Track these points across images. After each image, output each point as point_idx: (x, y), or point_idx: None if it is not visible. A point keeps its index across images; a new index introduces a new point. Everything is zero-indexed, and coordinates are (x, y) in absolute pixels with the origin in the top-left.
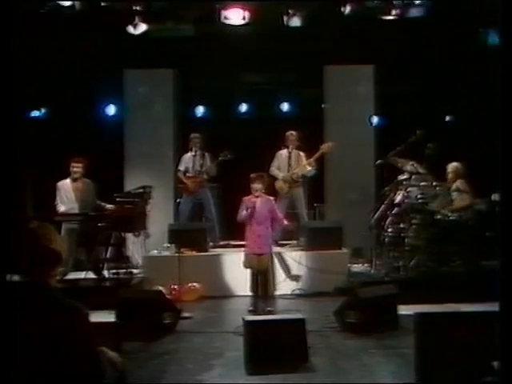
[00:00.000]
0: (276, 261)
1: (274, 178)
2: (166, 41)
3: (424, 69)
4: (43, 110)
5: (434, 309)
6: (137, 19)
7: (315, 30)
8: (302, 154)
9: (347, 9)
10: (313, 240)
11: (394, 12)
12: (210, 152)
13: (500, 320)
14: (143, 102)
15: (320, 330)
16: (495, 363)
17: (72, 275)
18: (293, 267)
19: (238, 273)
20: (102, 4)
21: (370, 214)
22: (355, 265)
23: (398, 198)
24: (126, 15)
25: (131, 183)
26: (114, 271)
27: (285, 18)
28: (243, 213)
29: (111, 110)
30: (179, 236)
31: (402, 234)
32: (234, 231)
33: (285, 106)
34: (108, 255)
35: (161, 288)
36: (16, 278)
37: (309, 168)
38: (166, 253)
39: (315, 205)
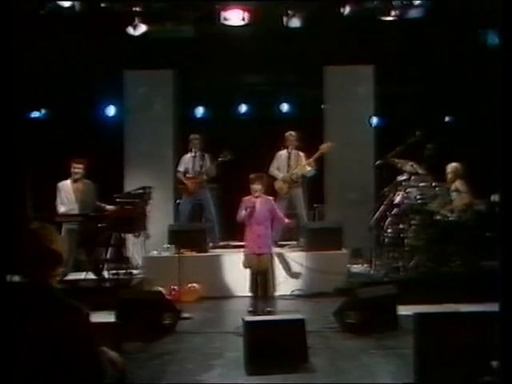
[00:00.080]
0: (276, 261)
1: (274, 179)
2: (166, 42)
3: (423, 69)
4: (43, 111)
5: (433, 309)
6: (136, 20)
7: (315, 31)
8: (301, 154)
9: (347, 9)
10: (312, 240)
11: (393, 13)
12: (209, 153)
13: (500, 320)
14: (143, 102)
15: (320, 331)
16: (494, 363)
17: (72, 276)
18: (292, 267)
19: (237, 273)
20: (102, 5)
21: (369, 214)
22: (355, 265)
23: (398, 199)
24: (125, 16)
25: (131, 184)
26: (114, 272)
27: (284, 19)
28: (242, 212)
29: (111, 110)
30: (179, 237)
31: (402, 235)
32: (233, 232)
33: (284, 107)
34: (108, 256)
35: (161, 288)
36: (16, 278)
37: (308, 168)
38: (166, 253)
39: (315, 205)
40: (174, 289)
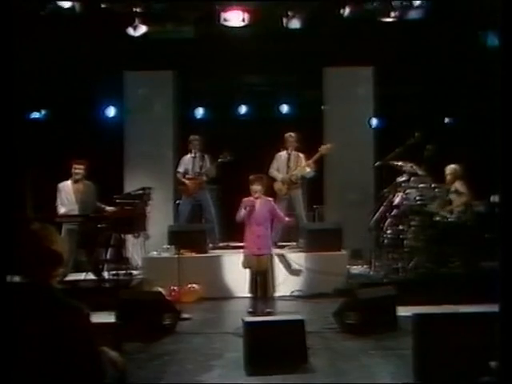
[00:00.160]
0: (275, 262)
1: (273, 180)
2: (166, 42)
3: (423, 70)
4: (43, 112)
5: (433, 310)
6: (137, 21)
7: (315, 32)
8: (301, 155)
9: (346, 11)
10: (312, 241)
11: (393, 14)
12: (209, 153)
13: (500, 321)
14: (143, 103)
15: (319, 331)
16: (492, 363)
17: (72, 276)
18: (292, 268)
19: (237, 274)
20: (102, 6)
21: (369, 215)
22: (354, 266)
23: (397, 200)
24: (125, 17)
25: (131, 185)
26: (114, 272)
27: (284, 20)
28: (242, 212)
29: (111, 111)
30: (179, 237)
31: (401, 236)
32: (233, 233)
33: (284, 108)
34: (108, 256)
35: (160, 289)
36: (17, 278)
37: (308, 170)
38: (166, 254)
39: (315, 206)
40: (174, 289)
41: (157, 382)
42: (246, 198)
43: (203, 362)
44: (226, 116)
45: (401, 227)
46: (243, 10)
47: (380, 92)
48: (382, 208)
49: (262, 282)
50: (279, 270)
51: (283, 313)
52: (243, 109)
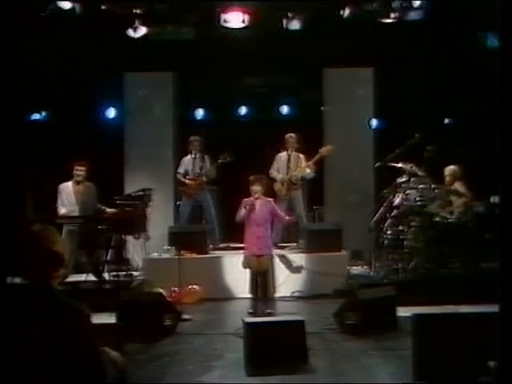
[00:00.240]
0: (276, 262)
1: (273, 181)
2: (166, 44)
3: (423, 71)
4: (44, 113)
5: (432, 310)
6: (137, 22)
7: (314, 33)
8: (301, 156)
9: (346, 12)
10: (312, 242)
11: (392, 15)
12: (209, 154)
13: (500, 322)
14: (143, 104)
15: (319, 332)
16: (491, 363)
17: (72, 277)
18: (292, 269)
19: (237, 275)
20: (103, 7)
21: (369, 216)
22: (354, 267)
23: (397, 201)
24: (126, 18)
25: (131, 186)
26: (115, 273)
27: (284, 21)
28: (242, 211)
29: (111, 112)
30: (179, 238)
31: (401, 236)
32: (233, 233)
33: (284, 109)
34: (108, 257)
35: (161, 290)
36: (18, 280)
37: (308, 171)
38: (166, 255)
39: (315, 207)
40: (175, 290)
41: (157, 382)
42: (246, 199)
43: (203, 362)
44: (226, 117)
45: (401, 228)
46: (243, 12)
47: (380, 93)
48: (382, 209)
49: (262, 282)
50: (279, 271)
51: (283, 313)
52: (243, 110)
